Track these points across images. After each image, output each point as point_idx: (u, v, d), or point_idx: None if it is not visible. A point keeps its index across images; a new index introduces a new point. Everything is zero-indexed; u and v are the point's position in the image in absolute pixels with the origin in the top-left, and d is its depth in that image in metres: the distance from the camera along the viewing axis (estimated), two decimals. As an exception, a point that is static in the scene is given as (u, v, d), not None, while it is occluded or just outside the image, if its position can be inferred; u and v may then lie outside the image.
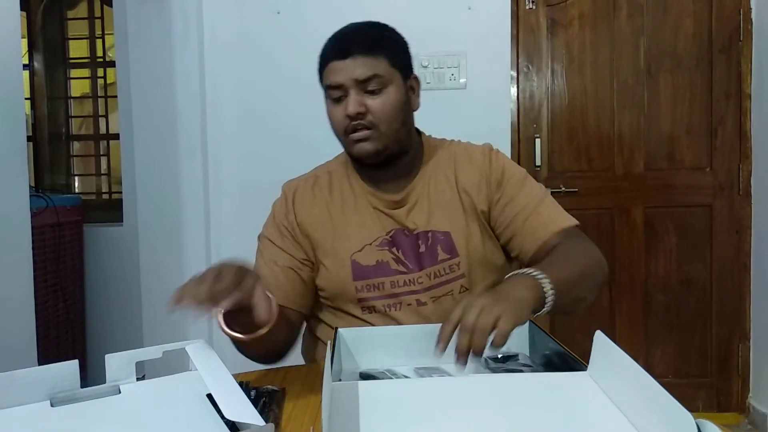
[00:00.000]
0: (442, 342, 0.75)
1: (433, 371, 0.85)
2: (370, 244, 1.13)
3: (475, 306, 0.76)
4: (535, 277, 0.86)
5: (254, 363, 1.07)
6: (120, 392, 0.79)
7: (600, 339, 0.75)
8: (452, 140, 1.25)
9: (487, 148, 1.21)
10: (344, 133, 1.10)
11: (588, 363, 0.78)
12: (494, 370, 0.84)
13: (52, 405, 0.74)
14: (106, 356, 0.82)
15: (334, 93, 1.10)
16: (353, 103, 1.07)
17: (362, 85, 1.07)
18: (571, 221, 1.11)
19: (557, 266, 0.94)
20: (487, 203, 1.15)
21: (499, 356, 0.89)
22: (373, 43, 1.09)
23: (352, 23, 1.15)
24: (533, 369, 0.85)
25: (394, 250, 1.13)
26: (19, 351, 1.69)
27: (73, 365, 0.76)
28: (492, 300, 0.77)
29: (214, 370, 0.74)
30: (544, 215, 1.10)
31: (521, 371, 0.84)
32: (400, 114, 1.11)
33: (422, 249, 1.13)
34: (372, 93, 1.08)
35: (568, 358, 0.81)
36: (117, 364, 0.82)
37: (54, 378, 0.75)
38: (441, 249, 1.13)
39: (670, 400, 0.57)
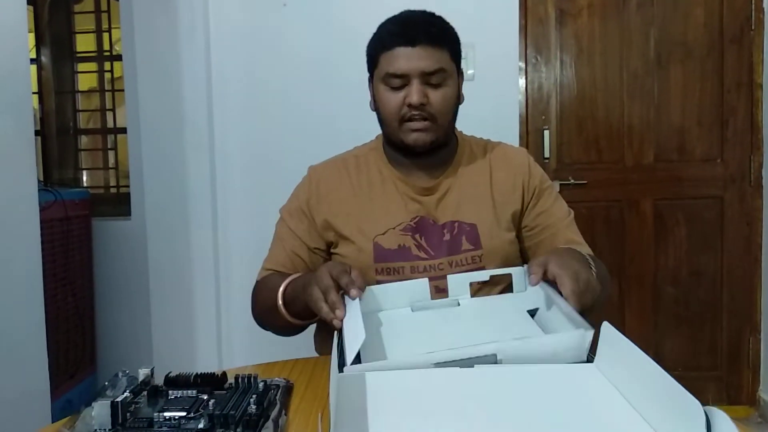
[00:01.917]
0: (535, 277, 0.87)
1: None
2: (394, 228, 1.15)
3: (581, 275, 0.87)
4: (591, 268, 0.94)
5: (262, 356, 1.09)
6: (459, 305, 1.01)
7: (607, 330, 0.74)
8: (488, 139, 1.28)
9: (525, 151, 1.26)
10: (400, 120, 1.10)
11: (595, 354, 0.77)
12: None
13: (412, 310, 0.99)
14: (449, 277, 1.03)
15: (394, 81, 1.08)
16: (418, 92, 1.07)
17: (426, 76, 1.07)
18: (590, 251, 1.18)
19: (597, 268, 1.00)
20: (520, 205, 1.19)
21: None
22: (439, 34, 1.09)
23: (410, 11, 1.13)
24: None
25: (417, 236, 1.15)
26: (30, 343, 1.70)
27: (424, 283, 1.01)
28: (586, 280, 0.87)
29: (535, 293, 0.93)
30: (569, 234, 1.19)
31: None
32: (454, 108, 1.14)
33: (446, 237, 1.15)
34: (434, 85, 1.08)
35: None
36: (456, 283, 1.03)
37: (413, 291, 1.00)
38: (465, 240, 1.15)
39: (680, 389, 0.57)
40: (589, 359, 0.78)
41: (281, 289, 1.04)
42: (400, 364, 0.77)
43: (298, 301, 0.99)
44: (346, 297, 0.89)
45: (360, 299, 0.89)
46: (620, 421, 0.64)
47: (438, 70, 1.07)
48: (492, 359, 0.77)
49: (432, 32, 1.07)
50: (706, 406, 0.54)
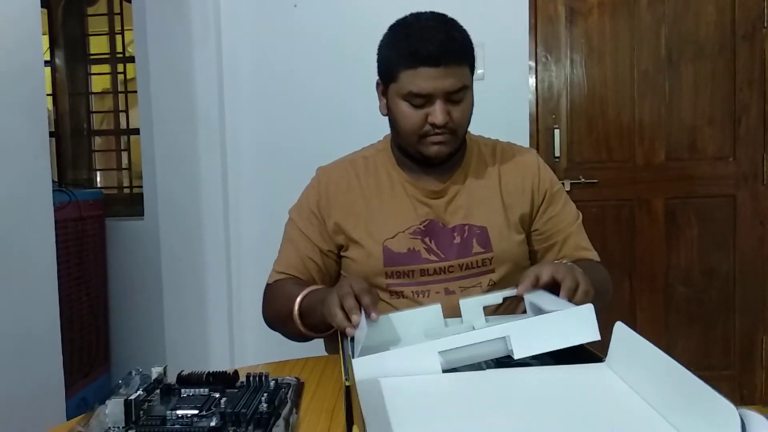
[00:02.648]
0: (523, 285, 0.90)
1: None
2: (403, 231, 1.15)
3: (579, 276, 0.90)
4: (582, 274, 0.94)
5: (273, 355, 1.11)
6: (474, 329, 0.91)
7: (620, 329, 0.74)
8: (496, 139, 1.28)
9: (534, 152, 1.26)
10: (421, 134, 1.09)
11: (605, 355, 0.77)
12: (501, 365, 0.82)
13: (425, 336, 0.93)
14: (461, 302, 1.00)
15: (417, 100, 1.06)
16: (443, 113, 1.06)
17: (449, 95, 1.06)
18: (597, 256, 1.22)
19: (591, 274, 0.99)
20: (530, 207, 1.19)
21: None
22: (461, 50, 1.06)
23: (423, 18, 1.08)
24: (540, 363, 0.83)
25: (426, 240, 1.15)
26: (44, 343, 1.72)
27: (437, 310, 0.98)
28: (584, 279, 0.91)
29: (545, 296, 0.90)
30: (578, 239, 1.21)
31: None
32: (471, 117, 1.13)
33: (457, 240, 1.15)
34: (455, 102, 1.07)
35: (580, 350, 0.80)
36: (469, 307, 0.99)
37: (425, 319, 0.97)
38: (476, 243, 1.15)
39: (707, 389, 0.55)
40: (601, 359, 0.78)
41: (298, 299, 1.04)
42: (406, 352, 0.76)
43: (314, 313, 0.99)
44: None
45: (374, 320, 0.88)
46: (640, 422, 0.63)
47: (461, 88, 1.06)
48: (501, 343, 0.77)
49: (455, 49, 1.05)
50: (741, 408, 0.52)
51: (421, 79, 1.04)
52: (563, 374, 0.75)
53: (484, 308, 1.00)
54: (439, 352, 0.76)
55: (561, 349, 0.79)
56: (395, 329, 0.96)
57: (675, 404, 0.61)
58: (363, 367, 0.74)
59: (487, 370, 0.77)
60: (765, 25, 2.37)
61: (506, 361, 0.80)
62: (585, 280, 0.91)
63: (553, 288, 0.91)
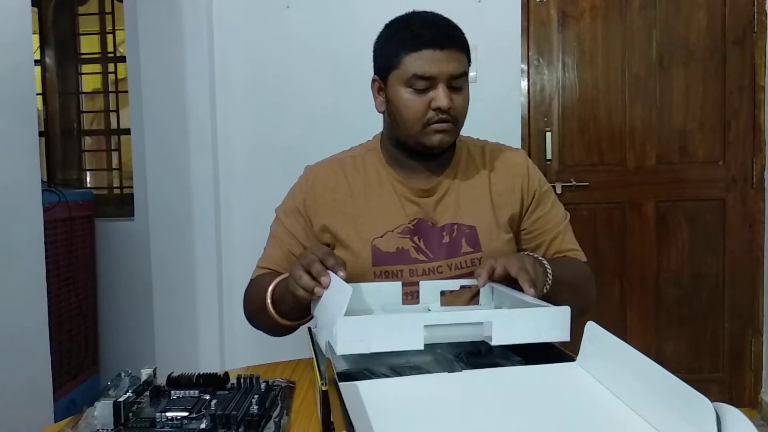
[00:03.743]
0: (483, 278, 0.91)
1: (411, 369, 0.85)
2: (392, 231, 1.15)
3: (527, 264, 0.93)
4: (544, 266, 0.98)
5: (264, 357, 1.10)
6: (429, 311, 0.98)
7: (592, 328, 0.74)
8: (485, 140, 1.28)
9: (523, 152, 1.27)
10: (424, 122, 1.10)
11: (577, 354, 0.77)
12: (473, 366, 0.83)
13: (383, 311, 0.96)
14: (421, 283, 1.03)
15: (420, 83, 1.07)
16: (447, 96, 1.07)
17: (451, 80, 1.07)
18: (584, 258, 1.23)
19: (561, 268, 1.04)
20: (519, 207, 1.20)
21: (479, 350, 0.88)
22: (461, 38, 1.10)
23: (422, 13, 1.12)
24: (511, 363, 0.84)
25: (415, 239, 1.15)
26: (33, 343, 1.71)
27: (396, 287, 1.01)
28: (533, 266, 0.93)
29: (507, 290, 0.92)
30: (566, 239, 1.22)
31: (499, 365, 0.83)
32: (467, 110, 1.15)
33: (446, 240, 1.15)
34: (455, 89, 1.09)
35: (551, 349, 0.82)
36: (427, 290, 1.03)
37: (385, 295, 0.99)
38: (465, 242, 1.15)
39: (681, 384, 0.55)
40: (572, 358, 0.78)
41: (270, 288, 1.04)
42: (392, 320, 0.76)
43: (286, 297, 0.98)
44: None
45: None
46: (615, 420, 0.63)
47: (463, 74, 1.08)
48: (480, 329, 0.78)
49: (456, 35, 1.08)
50: (716, 403, 0.52)
51: (425, 61, 1.05)
52: (536, 374, 0.76)
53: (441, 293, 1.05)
54: (424, 326, 0.75)
55: (532, 350, 0.80)
56: (354, 300, 0.94)
57: (649, 401, 0.61)
58: (349, 330, 0.73)
59: (463, 372, 0.77)
60: (755, 30, 2.39)
61: (476, 352, 0.83)
62: (536, 270, 0.94)
63: (509, 281, 0.94)
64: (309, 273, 0.88)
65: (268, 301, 1.03)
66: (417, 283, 1.12)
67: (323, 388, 0.66)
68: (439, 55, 1.05)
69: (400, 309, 0.98)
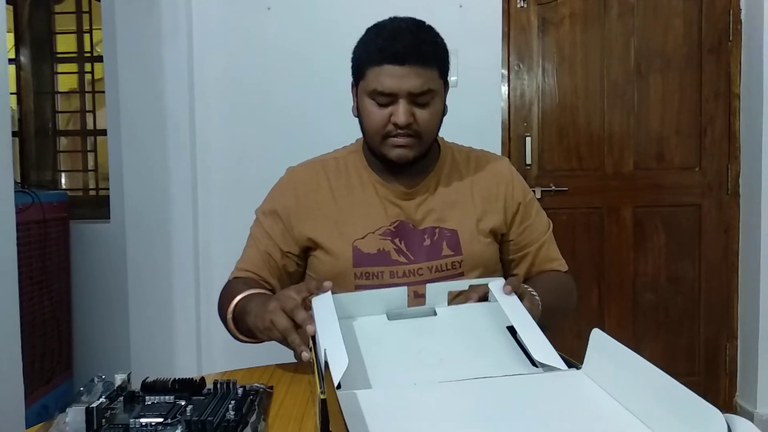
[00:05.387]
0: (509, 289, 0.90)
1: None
2: (373, 232, 1.14)
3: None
4: (537, 304, 0.98)
5: (242, 361, 1.10)
6: (436, 314, 0.96)
7: (597, 335, 0.73)
8: (470, 147, 1.29)
9: (507, 161, 1.27)
10: (383, 134, 1.09)
11: (580, 362, 0.77)
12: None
13: (388, 318, 0.94)
14: (428, 285, 0.98)
15: (381, 98, 1.06)
16: (405, 113, 1.05)
17: (414, 96, 1.06)
18: (565, 267, 1.25)
19: (549, 293, 1.06)
20: (502, 214, 1.20)
21: None
22: (429, 53, 1.06)
23: (398, 20, 1.09)
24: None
25: (396, 240, 1.14)
26: (4, 348, 1.67)
27: (402, 291, 0.96)
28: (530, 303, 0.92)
29: (514, 308, 0.87)
30: (549, 249, 1.24)
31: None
32: (440, 122, 1.14)
33: (427, 243, 1.15)
34: (420, 104, 1.07)
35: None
36: (434, 291, 0.98)
37: (388, 299, 0.95)
38: (446, 246, 1.15)
39: (693, 397, 0.54)
40: (577, 366, 0.77)
41: (234, 302, 1.04)
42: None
43: (245, 319, 0.98)
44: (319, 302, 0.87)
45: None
46: (622, 428, 0.62)
47: (426, 91, 1.06)
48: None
49: (422, 50, 1.04)
50: (728, 414, 0.51)
51: (386, 76, 1.04)
52: (540, 382, 0.75)
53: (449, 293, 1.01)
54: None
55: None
56: (357, 307, 0.95)
57: (657, 411, 0.60)
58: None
59: (465, 380, 0.76)
60: (730, 39, 2.44)
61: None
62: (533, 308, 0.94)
63: None
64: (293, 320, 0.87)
65: (230, 317, 1.04)
66: (397, 285, 1.10)
67: (322, 397, 0.65)
68: (400, 71, 1.03)
69: (405, 313, 0.95)
